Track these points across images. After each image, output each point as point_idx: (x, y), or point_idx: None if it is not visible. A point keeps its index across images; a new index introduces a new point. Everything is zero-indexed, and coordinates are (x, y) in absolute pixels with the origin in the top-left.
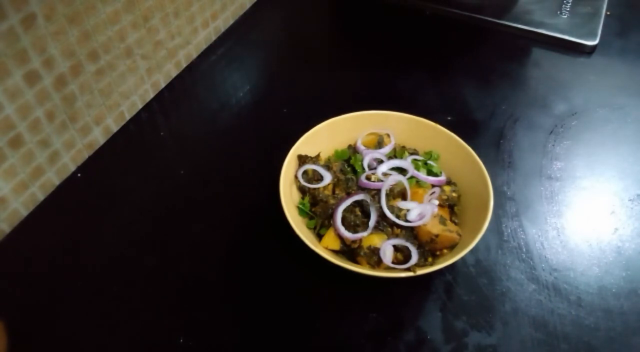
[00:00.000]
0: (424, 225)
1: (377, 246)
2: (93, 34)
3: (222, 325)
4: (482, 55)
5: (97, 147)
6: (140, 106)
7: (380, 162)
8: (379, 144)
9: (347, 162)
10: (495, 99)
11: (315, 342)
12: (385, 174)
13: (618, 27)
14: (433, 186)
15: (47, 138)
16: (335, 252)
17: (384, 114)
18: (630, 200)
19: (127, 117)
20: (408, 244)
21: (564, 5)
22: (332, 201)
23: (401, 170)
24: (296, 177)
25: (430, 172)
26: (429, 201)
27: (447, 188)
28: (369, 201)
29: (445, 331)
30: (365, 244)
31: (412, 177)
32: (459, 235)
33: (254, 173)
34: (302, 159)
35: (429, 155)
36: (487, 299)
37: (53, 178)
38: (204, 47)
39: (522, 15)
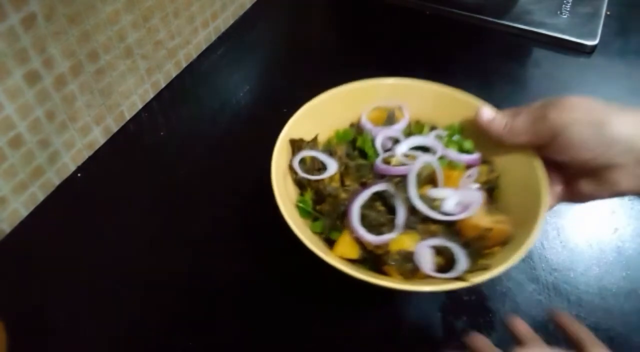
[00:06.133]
0: (470, 217)
1: (410, 249)
2: (93, 34)
3: (222, 325)
4: (482, 55)
5: (97, 147)
6: (140, 106)
7: (396, 141)
8: (390, 120)
9: (352, 145)
10: (495, 99)
11: (315, 342)
12: (407, 156)
13: (618, 27)
14: (468, 166)
15: (47, 138)
16: (352, 261)
17: (391, 83)
18: (630, 200)
19: (127, 117)
20: (451, 245)
21: (564, 5)
22: (343, 195)
23: (423, 150)
24: (291, 168)
25: (460, 150)
26: (467, 185)
27: (483, 168)
28: (392, 191)
29: (445, 331)
30: (393, 248)
31: (441, 157)
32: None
33: (254, 173)
34: (297, 145)
35: (452, 129)
36: (487, 299)
37: (53, 178)
38: (204, 47)
39: (522, 15)
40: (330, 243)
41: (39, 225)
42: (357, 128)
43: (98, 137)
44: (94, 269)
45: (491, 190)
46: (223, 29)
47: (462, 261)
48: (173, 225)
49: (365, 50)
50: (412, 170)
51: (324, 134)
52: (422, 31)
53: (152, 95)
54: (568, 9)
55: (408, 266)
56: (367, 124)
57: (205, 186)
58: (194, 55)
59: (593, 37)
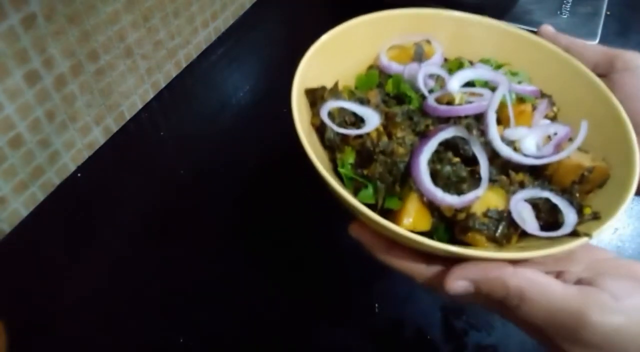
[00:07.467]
0: (568, 158)
1: (500, 207)
2: (93, 34)
3: (222, 325)
4: None
5: (97, 147)
6: (140, 106)
7: (438, 79)
8: (418, 56)
9: (382, 90)
10: None
11: (315, 342)
12: (466, 93)
13: (618, 27)
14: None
15: (47, 138)
16: (422, 234)
17: (412, 14)
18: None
19: (127, 117)
20: (549, 195)
21: (564, 5)
22: (400, 151)
23: (470, 86)
24: (316, 126)
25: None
26: (539, 121)
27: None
28: (467, 136)
29: (445, 331)
30: (478, 209)
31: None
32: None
33: (253, 173)
34: (318, 95)
35: (489, 63)
36: None
37: (53, 178)
38: (204, 47)
39: (522, 15)
40: (386, 214)
41: (39, 225)
42: (379, 71)
43: (98, 137)
44: (94, 268)
45: None
46: (223, 29)
47: (570, 212)
48: (173, 225)
49: None
50: (492, 105)
51: (340, 83)
52: None
53: (152, 95)
54: (568, 9)
55: (502, 228)
56: (392, 64)
57: (205, 185)
58: (194, 55)
59: (593, 37)
